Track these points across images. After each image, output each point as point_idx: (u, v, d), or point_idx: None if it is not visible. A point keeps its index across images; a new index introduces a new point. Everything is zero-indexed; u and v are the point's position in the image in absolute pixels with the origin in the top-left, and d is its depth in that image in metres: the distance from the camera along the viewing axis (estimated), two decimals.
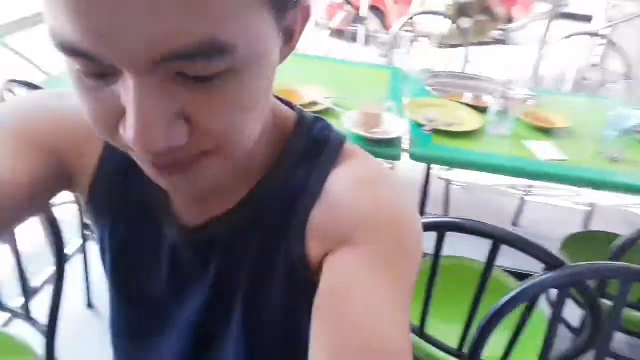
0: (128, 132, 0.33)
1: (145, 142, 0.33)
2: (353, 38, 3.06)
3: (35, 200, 0.51)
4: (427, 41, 2.78)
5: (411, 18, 2.75)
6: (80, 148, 0.54)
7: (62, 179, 0.54)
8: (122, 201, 0.56)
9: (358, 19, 3.08)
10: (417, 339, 1.15)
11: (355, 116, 1.52)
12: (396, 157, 1.46)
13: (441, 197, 2.58)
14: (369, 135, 1.45)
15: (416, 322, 1.12)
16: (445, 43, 3.16)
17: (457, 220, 0.91)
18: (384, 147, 1.46)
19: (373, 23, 4.41)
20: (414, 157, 1.47)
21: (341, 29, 3.25)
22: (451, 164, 1.64)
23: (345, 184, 0.49)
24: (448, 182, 2.64)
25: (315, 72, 2.11)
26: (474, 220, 0.90)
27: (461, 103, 1.78)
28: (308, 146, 0.52)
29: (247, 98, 0.37)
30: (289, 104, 0.56)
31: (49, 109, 0.54)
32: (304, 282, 0.50)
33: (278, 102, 0.54)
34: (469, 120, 1.66)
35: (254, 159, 0.51)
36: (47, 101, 0.55)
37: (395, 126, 1.51)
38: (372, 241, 0.46)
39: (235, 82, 0.35)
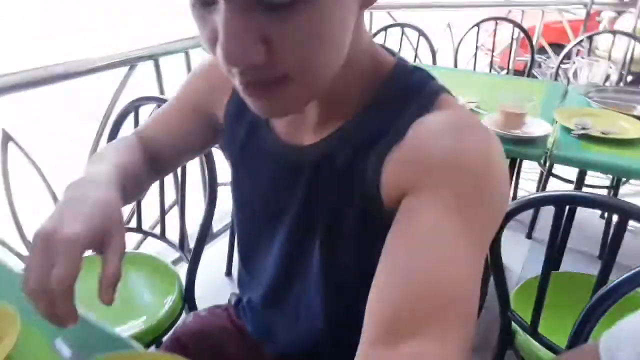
0: (218, 49, 0.43)
1: (229, 56, 0.42)
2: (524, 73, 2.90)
3: (197, 150, 0.79)
4: (607, 66, 2.44)
5: (590, 37, 2.53)
6: (217, 92, 0.70)
7: (215, 125, 0.72)
8: (240, 124, 0.68)
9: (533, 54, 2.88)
10: (528, 339, 1.06)
11: (496, 116, 1.49)
12: (536, 158, 1.39)
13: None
14: (507, 134, 1.41)
15: (528, 321, 1.04)
16: (633, 71, 2.81)
17: (580, 192, 0.83)
18: (523, 147, 1.40)
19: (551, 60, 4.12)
20: (556, 159, 1.37)
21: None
22: (601, 169, 1.47)
23: (429, 129, 0.50)
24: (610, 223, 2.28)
25: (467, 83, 2.11)
26: (596, 194, 0.82)
27: (626, 114, 1.60)
28: (402, 91, 0.55)
29: (321, 29, 0.43)
30: (390, 52, 0.60)
31: (194, 75, 0.74)
32: (377, 219, 0.54)
33: (379, 47, 0.59)
34: (633, 130, 1.48)
35: (348, 97, 0.56)
36: (194, 70, 0.74)
37: (537, 127, 1.44)
38: (449, 185, 0.46)
39: (309, 11, 0.41)
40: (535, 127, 1.44)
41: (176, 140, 0.75)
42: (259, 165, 0.66)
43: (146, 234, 1.58)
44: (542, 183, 2.37)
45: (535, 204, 0.92)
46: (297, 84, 0.46)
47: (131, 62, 1.69)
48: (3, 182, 1.48)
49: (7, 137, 1.43)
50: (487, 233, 0.48)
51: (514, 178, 2.27)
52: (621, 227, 0.82)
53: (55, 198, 1.61)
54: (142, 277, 1.38)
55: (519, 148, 1.40)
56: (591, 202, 0.82)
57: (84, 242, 0.49)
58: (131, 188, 0.66)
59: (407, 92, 0.55)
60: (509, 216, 0.96)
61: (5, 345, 0.61)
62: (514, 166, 1.54)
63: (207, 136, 0.75)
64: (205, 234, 1.28)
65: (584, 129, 1.47)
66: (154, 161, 0.75)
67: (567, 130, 1.49)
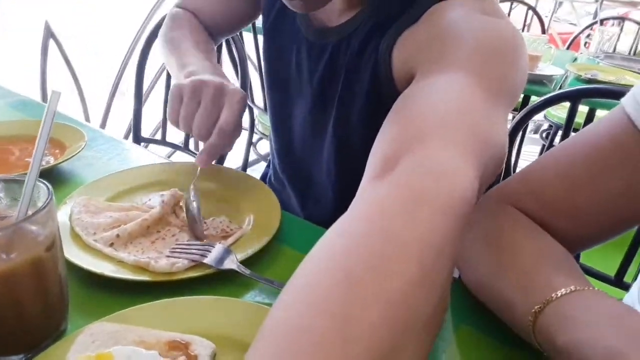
0: None
1: None
2: None
3: (239, 21, 0.82)
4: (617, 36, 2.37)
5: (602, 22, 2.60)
6: None
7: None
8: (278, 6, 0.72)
9: None
10: None
11: None
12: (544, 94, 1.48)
13: None
14: None
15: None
16: None
17: (594, 85, 0.90)
18: (536, 86, 1.49)
19: None
20: None
21: None
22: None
23: (444, 11, 0.52)
24: None
25: None
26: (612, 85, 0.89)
27: (634, 72, 1.70)
28: None
29: None
30: None
31: None
32: (388, 103, 0.56)
33: None
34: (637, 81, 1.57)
35: None
36: None
37: (550, 70, 1.53)
38: (460, 56, 0.46)
39: None
40: (548, 70, 1.53)
41: (220, 8, 0.80)
42: (288, 41, 0.71)
43: (171, 145, 1.65)
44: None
45: (552, 101, 1.00)
46: None
47: None
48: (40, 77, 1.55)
49: (49, 32, 1.49)
50: (503, 91, 0.45)
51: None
52: None
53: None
54: None
55: (532, 86, 1.49)
56: (608, 94, 0.89)
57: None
58: None
59: None
60: (527, 118, 1.04)
61: (74, 147, 0.72)
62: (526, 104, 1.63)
63: (249, 4, 0.79)
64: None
65: (593, 76, 1.56)
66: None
67: (578, 77, 1.59)
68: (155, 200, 0.62)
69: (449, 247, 0.30)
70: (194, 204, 0.58)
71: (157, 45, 0.80)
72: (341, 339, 0.24)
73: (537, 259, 0.42)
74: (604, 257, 1.07)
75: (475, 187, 0.35)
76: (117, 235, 0.54)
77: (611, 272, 0.99)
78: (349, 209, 0.34)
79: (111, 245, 0.53)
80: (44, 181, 0.39)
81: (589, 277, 0.97)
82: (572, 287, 0.36)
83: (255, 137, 2.24)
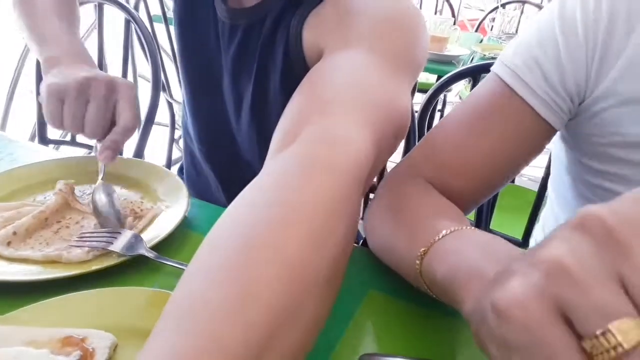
0: None
1: None
2: None
3: None
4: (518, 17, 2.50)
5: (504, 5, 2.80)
6: None
7: None
8: None
9: None
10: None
11: None
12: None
13: None
14: (431, 54, 1.56)
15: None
16: None
17: (491, 61, 0.96)
18: (445, 65, 1.57)
19: None
20: None
21: None
22: None
23: None
24: None
25: None
26: None
27: None
28: None
29: None
30: None
31: None
32: (299, 72, 0.56)
33: None
34: None
35: None
36: None
37: (457, 50, 1.62)
38: (361, 32, 0.48)
39: None
40: (455, 51, 1.62)
41: None
42: (202, 26, 0.69)
43: (82, 146, 1.56)
44: None
45: (454, 78, 1.05)
46: None
47: None
48: None
49: None
50: (407, 64, 0.49)
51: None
52: None
53: None
54: None
55: (441, 66, 1.56)
56: None
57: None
58: None
59: None
60: (434, 96, 1.08)
61: None
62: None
63: None
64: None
65: (495, 55, 1.67)
66: None
67: (483, 57, 1.69)
68: (50, 198, 0.58)
69: (343, 207, 0.31)
70: (104, 199, 0.55)
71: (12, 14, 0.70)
72: (240, 302, 0.24)
73: (426, 213, 0.45)
74: (511, 223, 1.16)
75: (369, 151, 0.37)
76: (14, 233, 0.50)
77: (518, 235, 1.07)
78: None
79: (9, 244, 0.49)
80: None
81: None
82: (453, 228, 0.38)
83: (177, 134, 2.16)
